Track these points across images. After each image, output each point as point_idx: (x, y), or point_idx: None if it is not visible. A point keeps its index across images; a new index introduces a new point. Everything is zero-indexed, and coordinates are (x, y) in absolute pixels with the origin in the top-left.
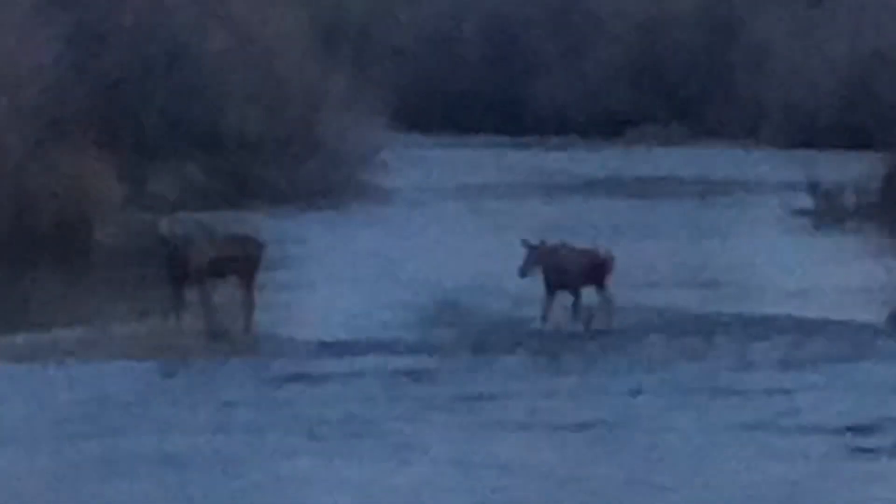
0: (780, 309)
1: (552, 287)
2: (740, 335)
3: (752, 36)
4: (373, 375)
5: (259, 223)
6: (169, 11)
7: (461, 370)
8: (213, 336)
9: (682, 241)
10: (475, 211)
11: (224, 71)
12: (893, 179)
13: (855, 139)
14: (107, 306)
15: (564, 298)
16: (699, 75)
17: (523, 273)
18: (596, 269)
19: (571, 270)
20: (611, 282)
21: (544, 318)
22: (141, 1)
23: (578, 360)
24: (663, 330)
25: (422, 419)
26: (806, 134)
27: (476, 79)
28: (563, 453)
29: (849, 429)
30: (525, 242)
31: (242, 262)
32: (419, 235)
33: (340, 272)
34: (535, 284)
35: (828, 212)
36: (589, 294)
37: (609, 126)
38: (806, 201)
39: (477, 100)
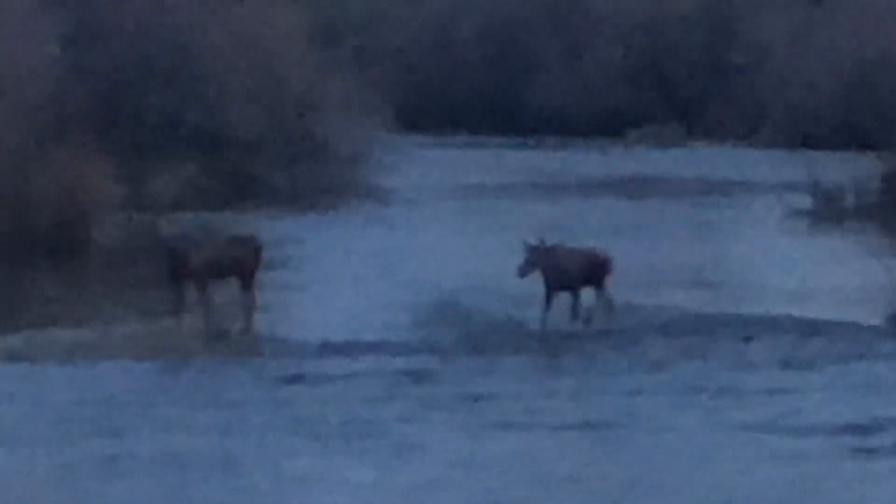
0: (780, 309)
1: (551, 287)
2: (740, 335)
3: (752, 36)
4: (373, 376)
5: (258, 223)
6: (169, 12)
7: (461, 370)
8: (212, 336)
9: (681, 241)
10: (475, 211)
11: (224, 71)
12: (892, 179)
13: (854, 139)
14: (106, 306)
15: (564, 298)
16: (699, 75)
17: (522, 273)
18: (595, 270)
19: (570, 271)
20: (610, 282)
21: (544, 318)
22: (141, 1)
23: (578, 360)
24: (663, 330)
25: (422, 419)
26: (805, 134)
27: (475, 79)
28: (564, 453)
29: (849, 429)
30: (524, 242)
31: (242, 263)
32: (419, 235)
33: (340, 272)
34: (535, 284)
35: (827, 212)
36: (588, 294)
37: (608, 126)
38: (805, 201)
39: (476, 100)
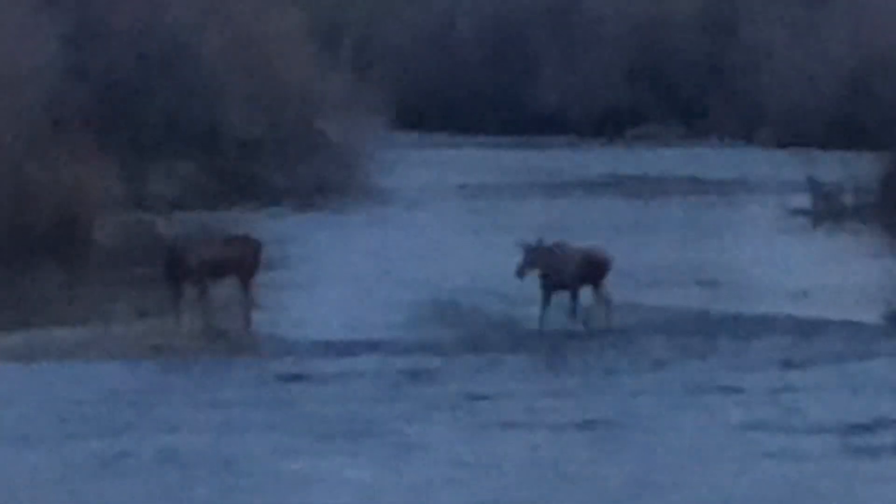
0: (780, 309)
1: (549, 287)
2: (739, 335)
3: (751, 36)
4: (373, 375)
5: (258, 223)
6: (168, 11)
7: (462, 370)
8: (211, 336)
9: (680, 240)
10: (474, 211)
11: (223, 71)
12: (892, 179)
13: (853, 139)
14: (105, 306)
15: (562, 298)
16: (698, 75)
17: (520, 273)
18: (593, 269)
19: (568, 270)
20: (608, 282)
21: (542, 317)
22: (140, 1)
23: (578, 359)
24: (663, 329)
25: (423, 419)
26: (805, 134)
27: (475, 78)
28: (565, 452)
29: (849, 428)
30: (521, 243)
31: (241, 262)
32: (418, 235)
33: (339, 272)
34: (535, 284)
35: (826, 212)
36: (586, 294)
37: (608, 125)
38: (805, 201)
39: (476, 100)
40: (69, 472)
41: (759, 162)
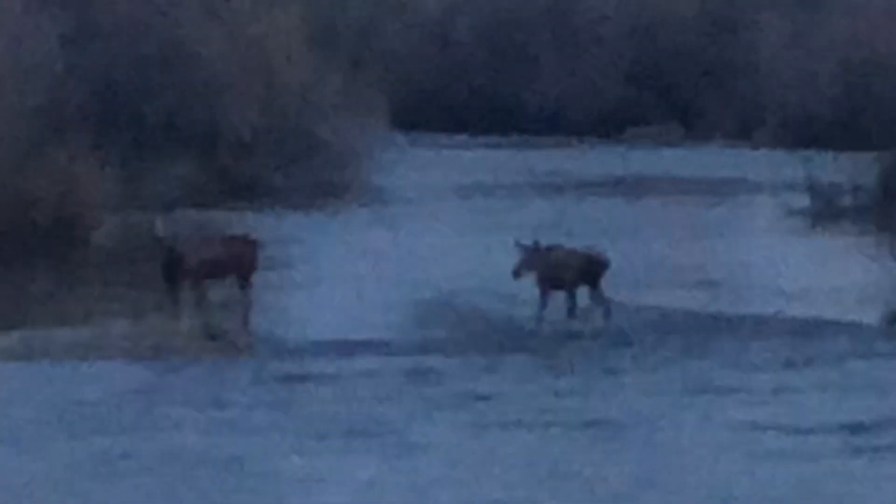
0: (779, 309)
1: (546, 288)
2: (739, 335)
3: (750, 36)
4: (374, 375)
5: (256, 223)
6: (166, 11)
7: (463, 370)
8: (209, 336)
9: (680, 240)
10: (473, 211)
11: (222, 71)
12: (890, 179)
13: (852, 139)
14: (103, 306)
15: (560, 298)
16: (697, 75)
17: (517, 275)
18: (590, 270)
19: (566, 271)
20: (605, 282)
21: (540, 318)
22: (139, 1)
23: (579, 359)
24: (662, 330)
25: (426, 418)
26: (803, 134)
27: (473, 79)
28: (567, 452)
29: (849, 428)
30: (518, 244)
31: (239, 262)
32: (417, 235)
33: (338, 272)
34: (534, 284)
35: (825, 212)
36: (584, 294)
37: (607, 126)
38: (803, 201)
39: (474, 100)
40: (69, 472)
41: (758, 162)
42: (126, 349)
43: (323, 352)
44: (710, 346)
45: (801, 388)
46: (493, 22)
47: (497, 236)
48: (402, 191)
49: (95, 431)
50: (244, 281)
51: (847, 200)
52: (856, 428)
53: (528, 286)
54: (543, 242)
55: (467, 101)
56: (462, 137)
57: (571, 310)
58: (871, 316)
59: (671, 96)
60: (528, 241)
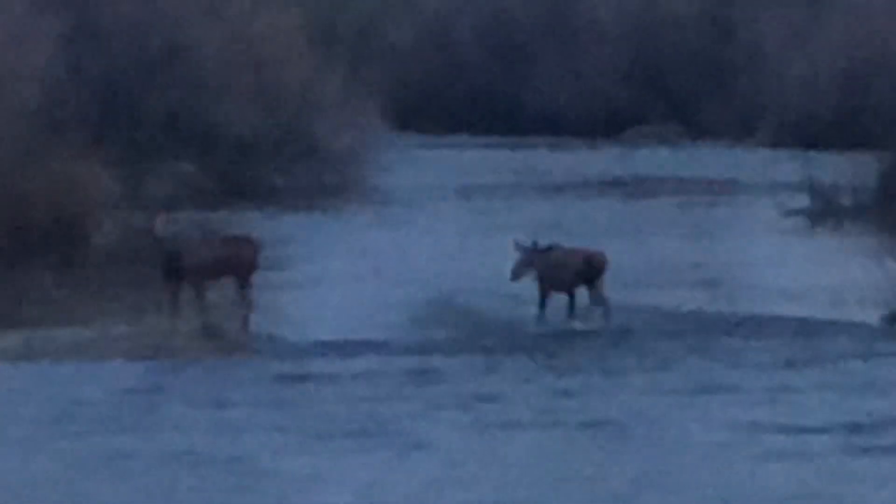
0: (779, 309)
1: (545, 288)
2: (739, 335)
3: (750, 36)
4: (375, 375)
5: (256, 223)
6: (165, 11)
7: (464, 370)
8: (209, 336)
9: (679, 240)
10: (473, 210)
11: (221, 71)
12: (889, 179)
13: (851, 139)
14: (102, 306)
15: (559, 298)
16: (696, 75)
17: (515, 275)
18: (589, 270)
19: (564, 271)
20: (604, 282)
21: (539, 318)
22: (138, 1)
23: (579, 359)
24: (662, 330)
25: (427, 418)
26: (803, 134)
27: (473, 78)
28: (569, 452)
29: (849, 427)
30: (516, 244)
31: (239, 262)
32: (417, 235)
33: (337, 272)
34: (533, 284)
35: (824, 212)
36: (583, 294)
37: (606, 126)
38: (803, 201)
39: (474, 99)
40: (70, 472)
41: (757, 162)
42: (126, 349)
43: (323, 352)
44: (710, 346)
45: (800, 387)
46: (492, 22)
47: (496, 236)
48: (402, 191)
49: (96, 431)
50: (244, 281)
51: (847, 200)
52: (856, 428)
53: (529, 286)
54: (542, 242)
55: (466, 101)
56: (462, 137)
57: (571, 310)
58: (870, 316)
59: (671, 96)
60: (526, 242)
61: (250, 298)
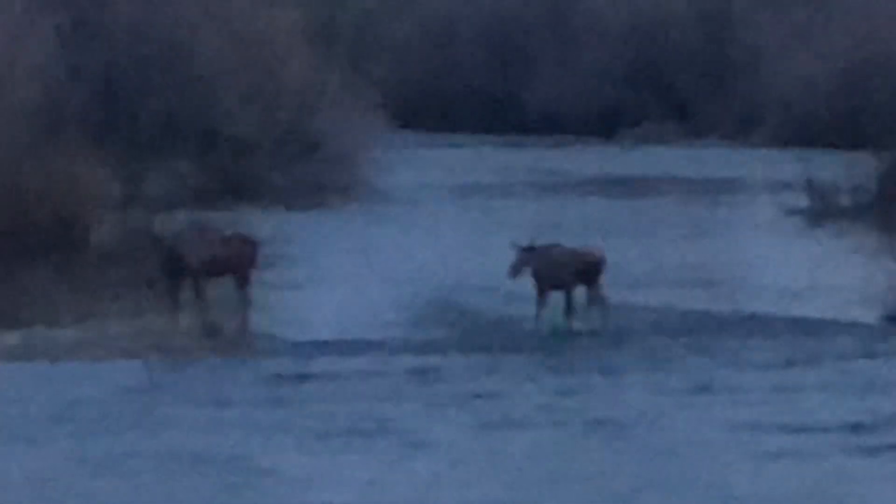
0: (779, 308)
1: (544, 287)
2: (738, 334)
3: (748, 35)
4: (376, 374)
5: (255, 221)
6: (164, 10)
7: (465, 369)
8: (208, 335)
9: (678, 240)
10: (472, 209)
11: (220, 70)
12: (888, 179)
13: (850, 138)
14: (102, 305)
15: (558, 298)
16: (695, 74)
17: (513, 274)
18: (587, 269)
19: (562, 271)
20: (603, 281)
21: (538, 317)
22: (137, 1)
23: (579, 358)
24: (661, 329)
25: (428, 417)
26: (801, 133)
27: (472, 77)
28: (570, 451)
29: (849, 427)
30: (514, 244)
31: (239, 261)
32: (416, 234)
33: (337, 271)
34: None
35: (823, 211)
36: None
37: (605, 125)
38: (802, 200)
39: (473, 99)
40: (71, 471)
41: (757, 161)
42: (125, 348)
43: (323, 351)
44: (710, 346)
45: (801, 387)
46: (492, 21)
47: (495, 235)
48: (402, 190)
49: (96, 431)
50: (244, 280)
51: (846, 200)
52: (856, 427)
53: (528, 285)
54: (540, 242)
55: (465, 100)
56: (462, 136)
57: (569, 309)
58: (870, 315)
59: (670, 96)
60: (523, 241)
61: (249, 297)
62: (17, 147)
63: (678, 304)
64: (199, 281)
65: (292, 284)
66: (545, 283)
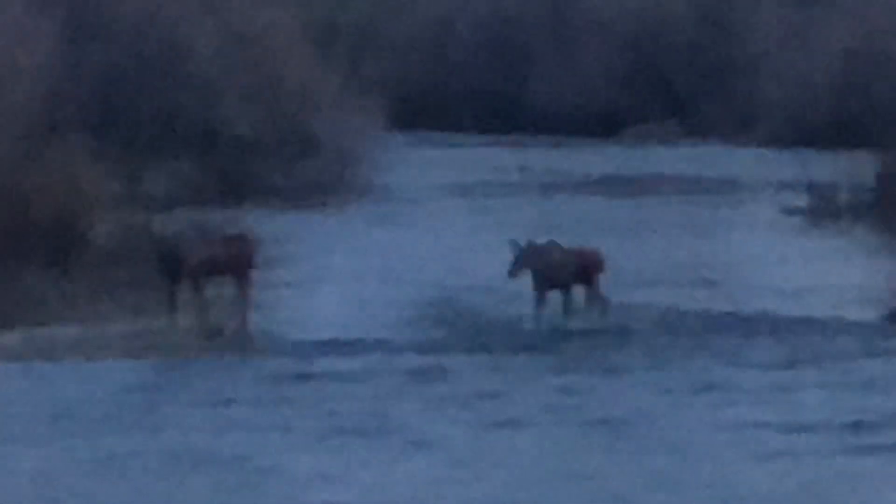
0: (778, 308)
1: (542, 287)
2: (738, 333)
3: (748, 35)
4: (378, 374)
5: (254, 221)
6: (164, 10)
7: (466, 368)
8: (207, 335)
9: (677, 239)
10: (472, 209)
11: (220, 69)
12: (887, 178)
13: (849, 138)
14: (101, 305)
15: (557, 297)
16: (694, 74)
17: (512, 274)
18: (585, 269)
19: (560, 270)
20: (602, 281)
21: (537, 317)
22: (136, 0)
23: (579, 358)
24: (661, 329)
25: (431, 417)
26: (800, 132)
27: (471, 77)
28: (571, 450)
29: (848, 426)
30: (512, 243)
31: (238, 261)
32: (415, 233)
33: (336, 270)
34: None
35: (822, 210)
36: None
37: (605, 124)
38: (800, 200)
39: (472, 98)
40: (71, 471)
41: (756, 161)
42: (125, 348)
43: (324, 350)
44: (709, 345)
45: (801, 386)
46: (490, 21)
47: (495, 235)
48: (402, 190)
49: (96, 431)
50: (243, 280)
51: (845, 199)
52: (857, 426)
53: (526, 285)
54: (538, 241)
55: (465, 99)
56: (462, 136)
57: (568, 308)
58: (869, 314)
59: (670, 95)
60: (521, 241)
61: (249, 297)
62: (17, 146)
63: (678, 304)
64: (198, 281)
65: (292, 284)
66: (544, 283)
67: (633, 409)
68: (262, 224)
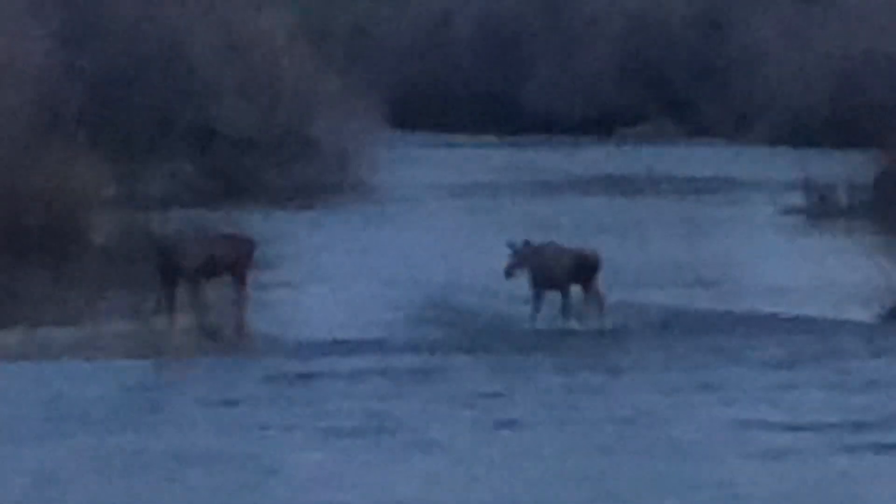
0: (776, 306)
1: (539, 287)
2: (737, 333)
3: (745, 34)
4: (378, 374)
5: (252, 221)
6: (161, 10)
7: (466, 368)
8: (205, 334)
9: (675, 239)
10: (469, 209)
11: (217, 70)
12: (885, 178)
13: (847, 137)
14: (99, 305)
15: (555, 297)
16: (692, 74)
17: (508, 274)
18: (582, 269)
19: (557, 270)
20: (599, 281)
21: (533, 317)
22: (134, 1)
23: (578, 358)
24: (660, 329)
25: (431, 417)
26: (798, 132)
27: (469, 77)
28: (571, 450)
29: (847, 426)
30: (509, 243)
31: (235, 261)
32: (413, 233)
33: (333, 270)
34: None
35: (820, 210)
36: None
37: (602, 124)
38: (799, 199)
39: (471, 99)
40: (73, 471)
41: (754, 160)
42: (124, 348)
43: (323, 350)
44: (710, 345)
45: (800, 385)
46: (488, 20)
47: (492, 235)
48: (401, 190)
49: (97, 431)
50: (241, 279)
51: (843, 199)
52: (857, 426)
53: (525, 285)
54: (536, 241)
55: (462, 99)
56: (459, 136)
57: (566, 308)
58: (869, 314)
59: (666, 95)
60: (518, 241)
61: (247, 297)
62: (15, 146)
63: (678, 304)
64: (196, 281)
65: (291, 284)
66: (541, 283)
67: (634, 409)
68: (260, 224)
